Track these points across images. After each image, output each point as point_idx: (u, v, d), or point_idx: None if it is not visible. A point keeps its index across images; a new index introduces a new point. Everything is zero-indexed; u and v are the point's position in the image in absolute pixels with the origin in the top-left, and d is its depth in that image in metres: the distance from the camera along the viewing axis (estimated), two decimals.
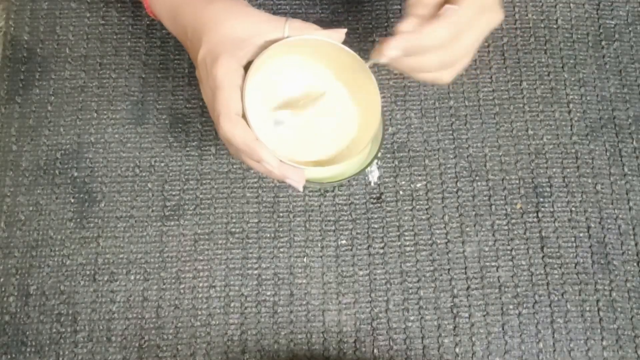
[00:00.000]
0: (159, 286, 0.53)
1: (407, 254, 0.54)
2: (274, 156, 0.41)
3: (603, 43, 0.60)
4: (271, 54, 0.43)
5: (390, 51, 0.41)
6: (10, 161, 0.55)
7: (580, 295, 0.53)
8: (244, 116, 0.41)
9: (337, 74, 0.46)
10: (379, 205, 0.55)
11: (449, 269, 0.53)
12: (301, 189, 0.44)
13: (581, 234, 0.54)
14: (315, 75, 0.47)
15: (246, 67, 0.42)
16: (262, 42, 0.43)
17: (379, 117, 0.44)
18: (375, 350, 0.52)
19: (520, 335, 0.52)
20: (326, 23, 0.59)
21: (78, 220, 0.54)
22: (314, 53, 0.46)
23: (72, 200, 0.54)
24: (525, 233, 0.54)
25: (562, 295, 0.53)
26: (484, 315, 0.52)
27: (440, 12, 0.40)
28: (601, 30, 0.60)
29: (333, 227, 0.54)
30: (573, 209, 0.55)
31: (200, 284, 0.53)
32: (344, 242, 0.54)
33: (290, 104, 0.46)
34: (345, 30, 0.43)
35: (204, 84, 0.43)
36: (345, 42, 0.60)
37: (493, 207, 0.55)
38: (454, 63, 0.42)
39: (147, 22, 0.59)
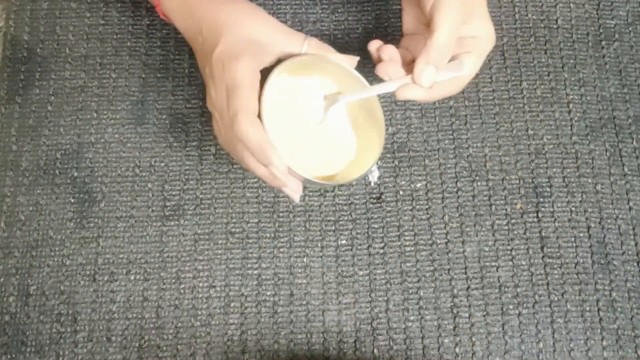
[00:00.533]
0: (159, 286, 0.53)
1: (407, 254, 0.54)
2: (283, 162, 0.41)
3: (603, 43, 0.60)
4: (291, 65, 0.44)
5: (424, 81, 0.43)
6: (10, 161, 0.55)
7: (580, 295, 0.53)
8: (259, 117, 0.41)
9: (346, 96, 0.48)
10: (379, 205, 0.55)
11: (449, 269, 0.53)
12: (297, 200, 0.45)
13: (581, 234, 0.54)
14: (326, 93, 0.48)
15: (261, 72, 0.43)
16: (279, 51, 0.44)
17: (382, 142, 0.46)
18: (375, 350, 0.52)
19: (520, 335, 0.52)
20: (326, 23, 0.59)
21: (78, 220, 0.54)
22: (329, 74, 0.47)
23: (72, 200, 0.54)
24: (525, 233, 0.54)
25: (562, 295, 0.53)
26: (484, 315, 0.52)
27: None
28: (601, 30, 0.60)
29: (333, 227, 0.54)
30: (573, 209, 0.55)
31: (200, 284, 0.53)
32: (344, 242, 0.54)
33: (304, 116, 0.47)
34: (358, 58, 0.46)
35: (216, 81, 0.42)
36: (345, 43, 0.60)
37: (493, 207, 0.55)
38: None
39: (147, 22, 0.59)
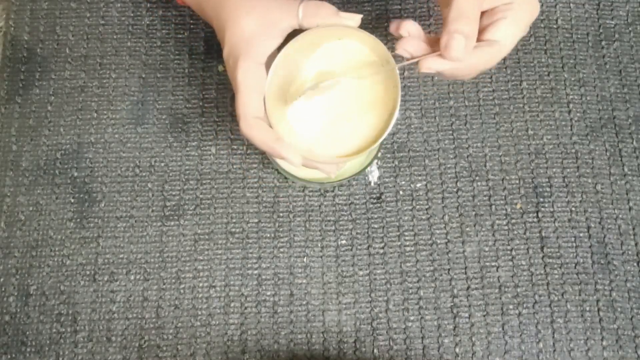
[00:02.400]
0: (159, 286, 0.53)
1: (407, 254, 0.54)
2: (296, 153, 0.40)
3: (603, 43, 0.60)
4: (288, 52, 0.42)
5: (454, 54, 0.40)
6: (10, 161, 0.55)
7: (580, 295, 0.53)
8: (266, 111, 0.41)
9: (354, 65, 0.44)
10: (379, 205, 0.55)
11: (449, 269, 0.53)
12: (333, 175, 0.45)
13: (581, 234, 0.54)
14: (332, 64, 0.45)
15: (272, 58, 0.42)
16: (277, 32, 0.42)
17: (397, 111, 0.43)
18: (375, 350, 0.52)
19: (520, 335, 0.52)
20: None
21: (78, 220, 0.54)
22: (332, 38, 0.44)
23: (72, 200, 0.54)
24: (525, 233, 0.54)
25: (562, 295, 0.53)
26: (484, 315, 0.52)
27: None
28: (601, 30, 0.60)
29: (333, 227, 0.54)
30: (573, 209, 0.55)
31: (200, 284, 0.53)
32: (344, 242, 0.54)
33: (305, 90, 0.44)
34: (361, 15, 0.42)
35: (232, 83, 0.43)
36: None
37: (493, 207, 0.55)
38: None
39: (147, 22, 0.59)
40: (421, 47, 0.42)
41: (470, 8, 0.39)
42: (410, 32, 0.42)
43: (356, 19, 0.42)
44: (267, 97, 0.42)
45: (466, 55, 0.39)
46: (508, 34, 0.41)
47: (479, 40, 0.41)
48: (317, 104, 0.44)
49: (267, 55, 0.42)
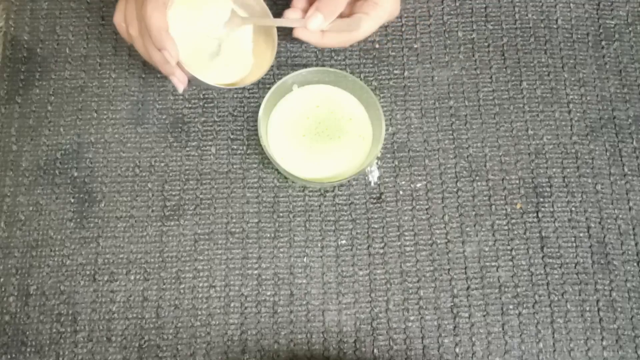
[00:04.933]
0: (159, 286, 0.53)
1: (407, 254, 0.54)
2: (177, 49, 0.46)
3: (603, 43, 0.60)
4: None
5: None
6: (10, 161, 0.55)
7: (580, 295, 0.53)
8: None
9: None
10: (379, 205, 0.55)
11: (449, 269, 0.53)
12: (180, 90, 0.51)
13: (581, 234, 0.54)
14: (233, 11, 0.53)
15: None
16: None
17: (273, 59, 0.52)
18: (375, 350, 0.52)
19: (520, 335, 0.52)
20: None
21: (78, 220, 0.54)
22: None
23: (72, 200, 0.54)
24: (525, 233, 0.54)
25: (562, 295, 0.53)
26: (484, 315, 0.52)
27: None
28: (601, 30, 0.60)
29: (333, 227, 0.54)
30: (573, 209, 0.55)
31: (200, 284, 0.53)
32: (344, 242, 0.54)
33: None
34: None
35: None
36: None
37: (493, 207, 0.55)
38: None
39: None
40: (297, 14, 0.52)
41: None
42: (296, 4, 0.52)
43: None
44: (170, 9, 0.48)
45: (321, 28, 0.50)
46: (366, 27, 0.51)
47: (343, 17, 0.51)
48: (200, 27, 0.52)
49: None
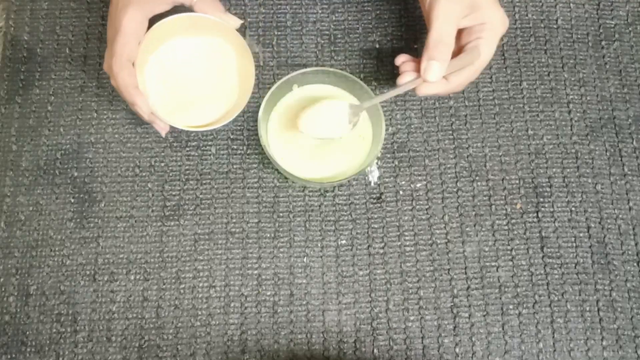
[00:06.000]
0: (159, 286, 0.53)
1: (407, 254, 0.54)
2: (147, 104, 0.48)
3: (603, 43, 0.60)
4: (167, 23, 0.49)
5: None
6: (10, 161, 0.55)
7: (580, 295, 0.53)
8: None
9: (213, 56, 0.54)
10: (379, 205, 0.55)
11: (449, 269, 0.53)
12: (163, 135, 0.53)
13: (581, 234, 0.54)
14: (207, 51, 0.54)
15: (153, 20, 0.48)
16: (171, 0, 0.48)
17: (251, 88, 0.51)
18: (375, 350, 0.52)
19: (520, 335, 0.52)
20: (326, 23, 0.59)
21: (78, 220, 0.54)
22: (211, 30, 0.52)
23: (72, 200, 0.54)
24: (525, 233, 0.54)
25: (562, 295, 0.53)
26: (484, 315, 0.52)
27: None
28: (601, 30, 0.60)
29: (333, 227, 0.54)
30: (573, 209, 0.55)
31: (200, 284, 0.53)
32: (344, 242, 0.54)
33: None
34: (241, 21, 0.51)
35: (110, 22, 0.48)
36: (345, 43, 0.60)
37: (493, 207, 0.55)
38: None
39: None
40: (412, 75, 0.49)
41: (446, 34, 0.46)
42: (400, 62, 0.50)
43: (237, 23, 0.51)
44: (140, 54, 0.48)
45: (441, 75, 0.46)
46: (486, 50, 0.48)
47: (461, 51, 0.48)
48: (173, 75, 0.53)
49: (154, 13, 0.48)
